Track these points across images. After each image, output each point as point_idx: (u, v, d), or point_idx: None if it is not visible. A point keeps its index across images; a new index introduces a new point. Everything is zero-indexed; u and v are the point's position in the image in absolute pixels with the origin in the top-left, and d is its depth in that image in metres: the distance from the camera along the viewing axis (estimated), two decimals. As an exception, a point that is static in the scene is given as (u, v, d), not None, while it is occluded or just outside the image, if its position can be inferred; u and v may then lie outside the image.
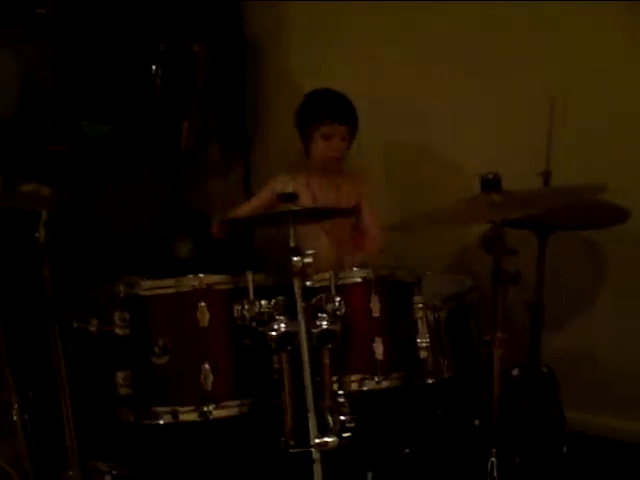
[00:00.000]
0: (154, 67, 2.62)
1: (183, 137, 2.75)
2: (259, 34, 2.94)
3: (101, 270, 2.37)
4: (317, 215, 1.96)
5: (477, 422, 2.06)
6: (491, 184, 1.77)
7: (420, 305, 1.87)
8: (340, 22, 2.75)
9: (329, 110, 2.27)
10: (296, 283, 1.58)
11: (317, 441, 1.52)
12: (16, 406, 2.06)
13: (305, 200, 2.15)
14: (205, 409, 1.65)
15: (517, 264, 1.79)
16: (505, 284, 1.78)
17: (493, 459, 1.84)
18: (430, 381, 1.88)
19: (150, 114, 2.65)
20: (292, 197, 1.62)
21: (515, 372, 2.27)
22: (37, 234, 1.67)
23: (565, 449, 2.17)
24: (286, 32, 2.91)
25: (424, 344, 1.86)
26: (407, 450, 1.94)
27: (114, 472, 1.85)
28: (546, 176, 2.16)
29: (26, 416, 2.07)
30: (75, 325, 1.84)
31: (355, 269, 1.83)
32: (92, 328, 1.80)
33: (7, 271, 2.14)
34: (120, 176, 2.72)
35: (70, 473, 1.78)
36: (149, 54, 2.64)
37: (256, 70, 2.96)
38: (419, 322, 1.86)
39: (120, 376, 1.69)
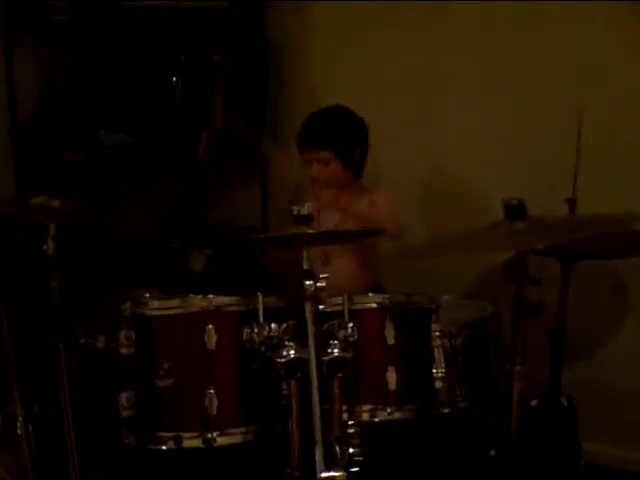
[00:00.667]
0: (174, 78, 2.58)
1: (201, 148, 2.71)
2: (281, 40, 2.89)
3: (113, 282, 2.34)
4: (331, 238, 1.90)
5: (493, 452, 1.98)
6: (516, 210, 1.70)
7: (437, 333, 1.80)
8: (365, 29, 2.70)
9: (301, 137, 2.23)
10: (307, 308, 1.53)
11: (323, 475, 1.46)
12: (20, 419, 2.04)
13: None
14: (209, 436, 1.59)
15: (539, 290, 1.72)
16: (526, 315, 1.72)
17: (507, 496, 1.78)
18: (445, 411, 1.82)
19: (169, 124, 2.61)
20: (307, 219, 1.56)
21: (534, 403, 2.19)
22: (45, 247, 1.63)
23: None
24: (310, 41, 2.86)
25: (440, 374, 1.79)
26: (420, 482, 1.87)
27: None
28: (572, 203, 2.09)
29: (30, 429, 2.05)
30: (82, 341, 1.80)
31: (370, 294, 1.77)
32: (99, 345, 1.76)
33: (17, 283, 2.11)
34: (136, 186, 2.68)
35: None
36: (170, 65, 2.61)
37: (278, 80, 2.92)
38: (435, 351, 1.80)
39: (124, 397, 1.64)
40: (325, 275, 1.56)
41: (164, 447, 1.62)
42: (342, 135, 2.24)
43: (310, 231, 1.53)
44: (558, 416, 2.18)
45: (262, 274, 2.69)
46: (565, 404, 2.20)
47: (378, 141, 2.37)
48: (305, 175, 2.28)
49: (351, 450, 1.59)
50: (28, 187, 2.27)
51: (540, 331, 2.07)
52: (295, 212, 1.56)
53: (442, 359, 1.80)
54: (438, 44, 2.57)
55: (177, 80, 2.56)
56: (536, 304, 1.73)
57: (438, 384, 1.78)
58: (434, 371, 1.78)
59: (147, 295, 1.79)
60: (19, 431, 2.02)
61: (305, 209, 1.55)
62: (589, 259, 2.15)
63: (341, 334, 1.62)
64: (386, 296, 1.75)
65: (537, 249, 1.85)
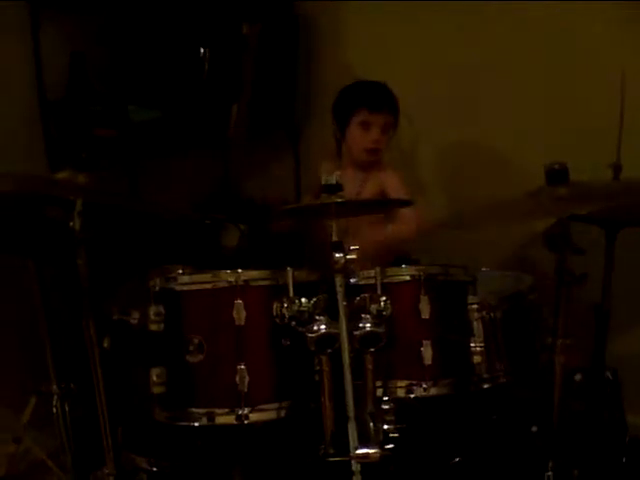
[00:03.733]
0: (202, 50, 2.53)
1: (231, 122, 2.67)
2: (312, 14, 2.82)
3: (147, 258, 2.32)
4: (362, 208, 1.85)
5: (535, 429, 1.93)
6: (557, 175, 1.62)
7: (475, 306, 1.74)
8: (399, 5, 2.60)
9: (369, 97, 2.18)
10: (337, 281, 1.48)
11: (357, 452, 1.42)
12: (56, 397, 2.05)
13: None
14: (240, 412, 1.56)
15: (583, 262, 1.64)
16: (569, 286, 1.65)
17: (550, 473, 1.72)
18: (484, 386, 1.76)
19: (198, 98, 2.57)
20: (336, 188, 1.51)
21: (578, 377, 2.13)
22: (71, 223, 1.61)
23: (625, 459, 2.03)
24: (341, 13, 2.79)
25: (478, 348, 1.73)
26: (457, 459, 1.81)
27: (153, 468, 1.78)
28: (616, 169, 1.99)
29: (67, 408, 2.06)
30: (116, 317, 1.79)
31: (404, 266, 1.71)
32: (133, 321, 1.74)
33: (50, 260, 2.11)
34: (166, 162, 2.66)
35: (106, 471, 1.74)
36: (197, 36, 2.56)
37: (309, 53, 2.86)
38: (473, 324, 1.74)
39: (154, 373, 1.62)
40: (356, 247, 1.51)
41: (197, 424, 1.60)
42: (397, 104, 2.22)
43: (339, 200, 1.47)
44: (603, 390, 2.12)
45: (298, 248, 2.66)
46: (610, 378, 2.14)
47: (409, 112, 2.32)
48: (357, 141, 2.21)
49: (386, 427, 1.54)
50: (59, 164, 2.26)
51: (584, 303, 2.00)
52: (324, 181, 1.51)
53: (481, 333, 1.74)
54: (471, 14, 2.47)
55: (205, 51, 2.51)
56: (579, 274, 1.66)
57: (476, 358, 1.73)
58: (472, 345, 1.72)
59: (179, 271, 1.77)
60: (54, 409, 2.04)
61: (333, 178, 1.49)
62: (635, 227, 2.05)
63: (373, 308, 1.57)
64: (420, 268, 1.68)
65: (580, 216, 1.77)
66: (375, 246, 2.11)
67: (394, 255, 2.21)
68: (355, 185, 2.23)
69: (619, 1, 2.21)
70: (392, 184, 2.22)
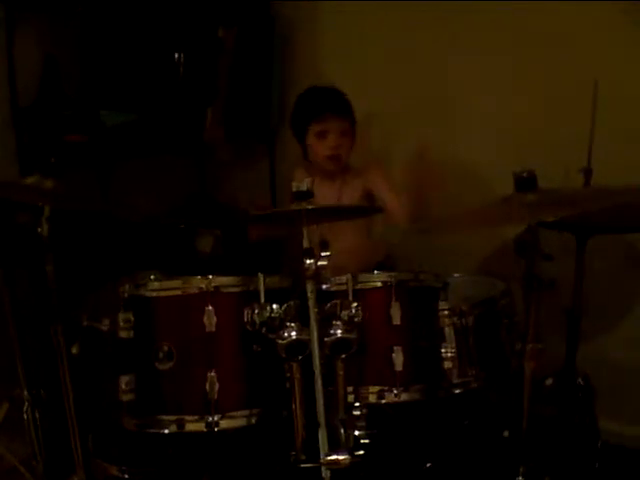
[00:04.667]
0: (177, 54, 2.52)
1: (206, 126, 2.65)
2: (288, 16, 2.82)
3: (120, 264, 2.30)
4: (331, 214, 1.84)
5: (506, 434, 1.93)
6: (526, 183, 1.63)
7: (446, 312, 1.74)
8: (371, 5, 2.61)
9: (319, 106, 2.18)
10: (309, 287, 1.48)
11: (327, 458, 1.42)
12: (27, 403, 2.02)
13: None
14: (210, 419, 1.55)
15: (554, 267, 1.65)
16: (538, 291, 1.65)
17: (521, 478, 1.72)
18: (456, 392, 1.76)
19: (172, 102, 2.55)
20: (307, 195, 1.51)
21: (549, 382, 2.14)
22: (39, 229, 1.60)
23: (597, 465, 2.04)
24: (317, 16, 2.79)
25: (449, 354, 1.73)
26: (429, 464, 1.82)
27: (125, 476, 1.77)
28: (587, 174, 2.01)
29: (37, 414, 2.03)
30: (85, 323, 1.77)
31: (375, 272, 1.71)
32: (103, 327, 1.73)
33: (19, 266, 2.08)
34: (140, 166, 2.64)
35: (75, 478, 1.72)
36: (173, 39, 2.54)
37: (285, 56, 2.86)
38: (445, 330, 1.74)
39: (123, 381, 1.61)
40: (327, 253, 1.50)
41: (166, 431, 1.58)
42: (352, 109, 2.22)
43: (310, 207, 1.47)
44: (574, 395, 2.13)
45: (273, 253, 2.65)
46: (582, 383, 2.15)
47: (385, 118, 2.32)
48: (317, 152, 2.21)
49: (357, 433, 1.54)
50: (30, 170, 2.24)
51: (556, 308, 2.02)
52: (294, 188, 1.51)
53: (452, 338, 1.75)
54: (446, 19, 2.48)
55: (180, 55, 2.50)
56: (548, 280, 1.66)
57: (447, 364, 1.73)
58: (443, 351, 1.73)
59: (152, 277, 1.75)
60: (25, 415, 2.01)
61: (304, 185, 1.49)
62: (605, 234, 2.07)
63: (344, 314, 1.57)
64: (391, 274, 1.69)
65: (550, 223, 1.78)
66: (362, 250, 2.13)
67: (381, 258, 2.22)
68: (334, 190, 2.23)
69: (593, 3, 2.22)
70: (376, 183, 2.23)
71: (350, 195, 2.23)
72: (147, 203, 2.54)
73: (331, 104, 2.18)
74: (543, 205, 1.61)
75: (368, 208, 2.09)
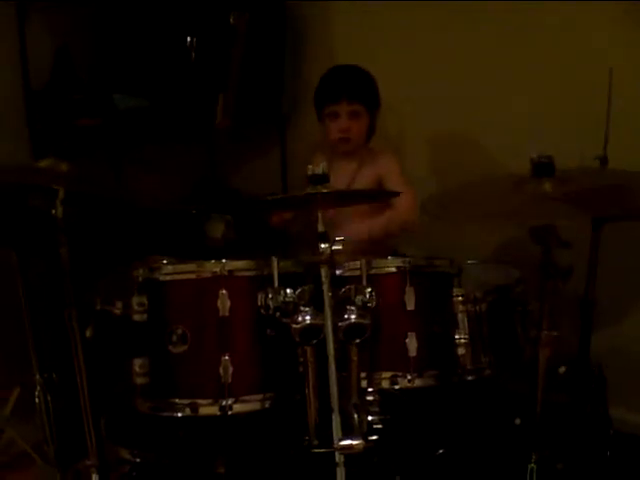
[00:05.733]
0: (189, 38, 2.51)
1: (218, 112, 2.64)
2: (299, 3, 2.81)
3: (132, 249, 2.30)
4: (347, 199, 1.84)
5: (518, 421, 1.93)
6: (543, 168, 1.62)
7: (460, 298, 1.73)
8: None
9: (331, 88, 2.18)
10: (323, 272, 1.47)
11: (341, 443, 1.41)
12: (38, 388, 2.03)
13: None
14: (224, 403, 1.55)
15: (569, 255, 1.64)
16: (554, 279, 1.64)
17: (533, 465, 1.72)
18: (469, 378, 1.76)
19: (184, 87, 2.55)
20: (323, 179, 1.50)
21: (562, 370, 2.12)
22: (54, 211, 1.59)
23: (609, 453, 2.04)
24: (329, 3, 2.77)
25: (462, 340, 1.73)
26: (441, 451, 1.81)
27: (137, 459, 1.77)
28: (603, 161, 1.99)
29: (49, 398, 2.04)
30: (98, 307, 1.77)
31: (390, 258, 1.70)
32: (116, 311, 1.72)
33: (33, 250, 2.08)
34: (152, 151, 2.63)
35: (89, 462, 1.72)
36: (185, 25, 2.53)
37: (296, 43, 2.84)
38: (458, 316, 1.73)
39: (137, 364, 1.61)
40: (341, 238, 1.49)
41: (180, 414, 1.58)
42: (371, 91, 2.22)
43: (325, 191, 1.46)
44: (587, 383, 2.12)
45: (283, 239, 2.64)
46: (595, 371, 2.14)
47: (397, 102, 2.30)
48: (329, 133, 2.21)
49: (370, 418, 1.53)
50: (42, 153, 2.24)
51: (570, 296, 2.00)
52: (310, 172, 1.50)
53: (466, 325, 1.74)
54: (458, 10, 2.46)
55: (192, 40, 2.48)
56: (565, 268, 1.66)
57: (461, 350, 1.72)
58: (456, 337, 1.72)
59: (163, 261, 1.75)
60: (37, 400, 2.02)
61: (320, 169, 1.48)
62: (621, 221, 2.05)
63: (358, 299, 1.56)
64: (406, 260, 1.68)
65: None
66: (365, 236, 2.12)
67: (390, 250, 2.21)
68: (347, 175, 2.23)
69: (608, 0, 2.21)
70: (388, 173, 2.22)
71: (362, 181, 2.22)
72: (158, 188, 2.54)
73: (342, 86, 2.18)
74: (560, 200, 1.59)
75: (382, 192, 2.07)
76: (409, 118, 2.55)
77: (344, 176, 2.22)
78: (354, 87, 2.19)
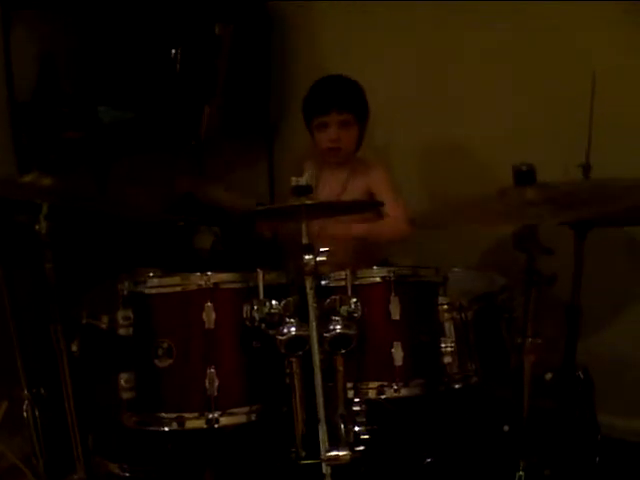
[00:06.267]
0: (174, 50, 2.51)
1: (204, 123, 2.65)
2: (285, 13, 2.82)
3: (119, 262, 2.30)
4: (331, 210, 1.84)
5: (506, 428, 1.93)
6: (525, 176, 1.63)
7: (445, 306, 1.74)
8: (373, 4, 2.61)
9: (319, 100, 2.18)
10: (308, 283, 1.47)
11: (327, 454, 1.41)
12: (26, 402, 2.02)
13: None
14: (210, 416, 1.55)
15: (553, 262, 1.65)
16: (539, 286, 1.65)
17: (521, 473, 1.73)
18: (456, 386, 1.76)
19: (169, 99, 2.54)
20: (306, 190, 1.50)
21: (548, 376, 2.13)
22: (37, 227, 1.59)
23: (597, 459, 2.04)
24: (314, 13, 2.78)
25: (449, 348, 1.73)
26: (429, 460, 1.82)
27: (125, 474, 1.77)
28: (586, 169, 2.00)
29: (37, 413, 2.03)
30: (84, 321, 1.77)
31: (374, 268, 1.71)
32: (103, 325, 1.72)
33: (18, 265, 2.08)
34: (138, 163, 2.63)
35: (75, 477, 1.72)
36: (169, 36, 2.53)
37: (282, 53, 2.85)
38: (444, 324, 1.74)
39: (123, 378, 1.60)
40: (326, 249, 1.50)
41: (166, 428, 1.58)
42: (360, 100, 2.22)
43: (308, 202, 1.47)
44: (574, 389, 2.13)
45: (273, 250, 2.64)
46: (581, 376, 2.15)
47: (383, 112, 2.31)
48: (319, 143, 2.22)
49: (357, 428, 1.53)
50: (28, 167, 2.23)
51: (555, 303, 2.01)
52: (294, 183, 1.50)
53: (452, 333, 1.74)
54: (443, 14, 2.48)
55: (177, 52, 2.48)
56: (549, 274, 1.66)
57: (447, 359, 1.72)
58: (442, 346, 1.72)
59: (150, 274, 1.75)
60: (25, 414, 2.01)
61: (304, 179, 1.48)
62: (604, 227, 2.07)
63: (344, 310, 1.57)
64: (390, 269, 1.69)
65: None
66: (352, 243, 2.12)
67: (377, 261, 2.21)
68: (338, 184, 2.24)
69: (589, 2, 2.22)
70: (377, 184, 2.22)
71: (353, 191, 2.23)
72: (145, 200, 2.53)
73: (331, 97, 2.18)
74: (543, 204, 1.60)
75: (368, 203, 2.08)
76: (395, 128, 2.55)
77: (335, 185, 2.23)
78: (343, 97, 2.19)
